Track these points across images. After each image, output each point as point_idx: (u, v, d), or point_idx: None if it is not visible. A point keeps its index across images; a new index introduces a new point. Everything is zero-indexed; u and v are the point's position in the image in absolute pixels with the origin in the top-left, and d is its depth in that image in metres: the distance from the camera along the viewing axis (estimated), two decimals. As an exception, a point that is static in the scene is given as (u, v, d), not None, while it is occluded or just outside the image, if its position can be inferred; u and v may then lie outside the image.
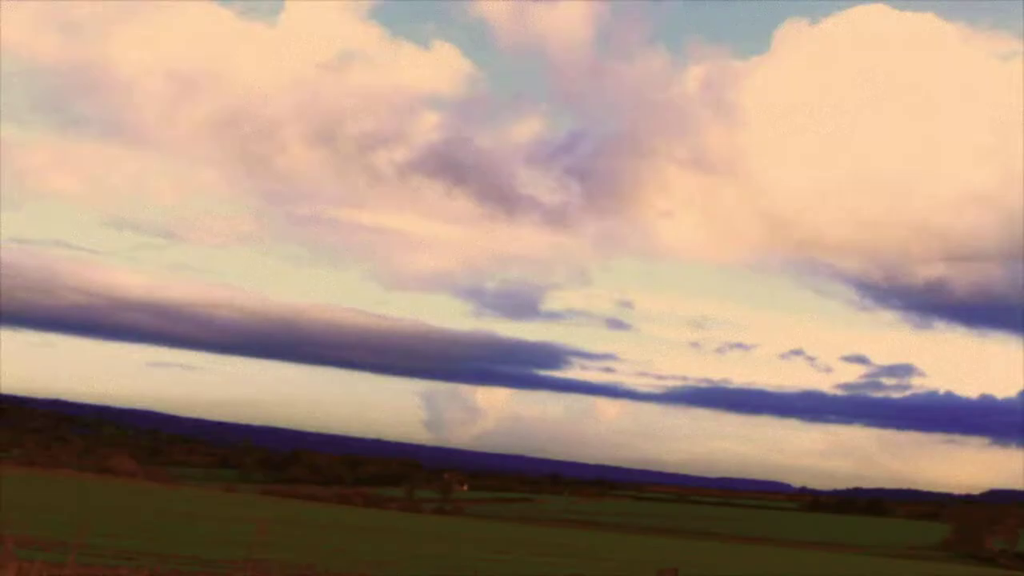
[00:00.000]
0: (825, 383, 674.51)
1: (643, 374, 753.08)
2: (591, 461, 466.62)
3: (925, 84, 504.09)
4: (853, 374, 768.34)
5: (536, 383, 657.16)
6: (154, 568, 36.11)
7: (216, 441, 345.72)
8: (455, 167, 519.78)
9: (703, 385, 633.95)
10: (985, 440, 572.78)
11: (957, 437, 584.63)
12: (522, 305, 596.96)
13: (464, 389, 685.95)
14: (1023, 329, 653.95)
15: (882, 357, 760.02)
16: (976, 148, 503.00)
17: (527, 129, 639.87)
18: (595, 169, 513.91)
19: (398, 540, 74.77)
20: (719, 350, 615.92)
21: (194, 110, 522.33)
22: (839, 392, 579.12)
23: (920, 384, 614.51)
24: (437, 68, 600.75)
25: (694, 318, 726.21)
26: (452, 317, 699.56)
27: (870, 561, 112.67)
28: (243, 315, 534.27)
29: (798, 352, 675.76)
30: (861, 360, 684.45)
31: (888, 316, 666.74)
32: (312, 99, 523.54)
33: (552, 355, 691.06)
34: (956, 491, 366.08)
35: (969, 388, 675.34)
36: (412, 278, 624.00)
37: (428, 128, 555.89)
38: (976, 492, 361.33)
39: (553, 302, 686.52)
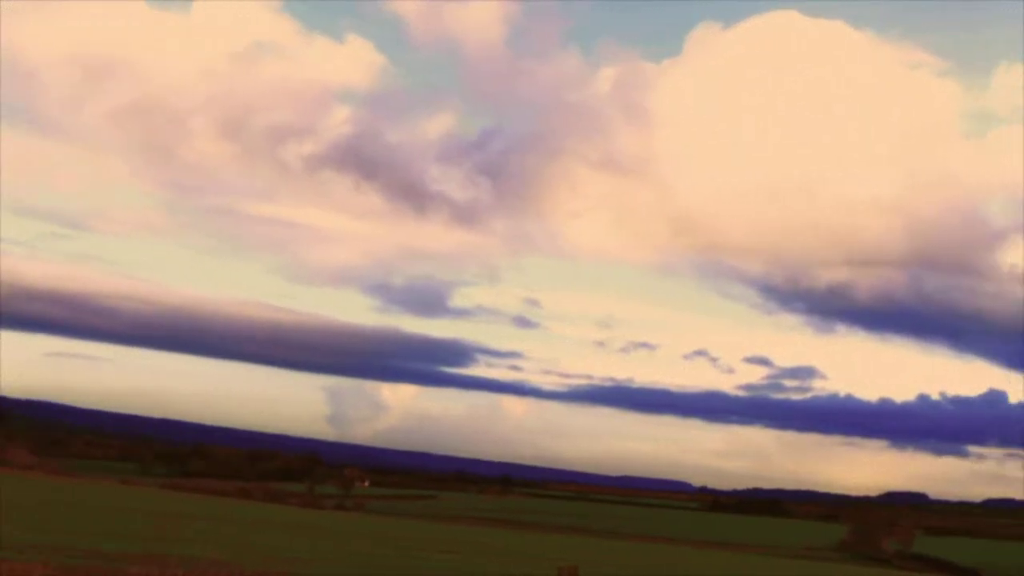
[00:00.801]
0: (728, 384, 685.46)
1: (549, 372, 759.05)
2: (496, 459, 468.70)
3: (834, 90, 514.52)
4: (755, 375, 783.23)
5: (442, 380, 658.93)
6: (48, 561, 35.56)
7: (117, 434, 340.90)
8: (365, 162, 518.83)
9: (607, 384, 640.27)
10: (883, 443, 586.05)
11: (856, 439, 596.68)
12: (429, 302, 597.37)
13: (369, 385, 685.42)
14: (922, 335, 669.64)
15: (784, 359, 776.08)
16: (881, 155, 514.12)
17: (439, 125, 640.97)
18: (506, 167, 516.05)
19: (298, 535, 74.32)
20: (624, 349, 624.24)
21: (103, 99, 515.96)
22: (741, 393, 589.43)
23: (821, 386, 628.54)
24: (350, 62, 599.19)
25: (600, 317, 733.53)
26: (358, 312, 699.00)
27: (768, 561, 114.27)
28: (147, 306, 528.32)
29: (702, 353, 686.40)
30: (763, 362, 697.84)
31: (791, 319, 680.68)
32: (223, 90, 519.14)
33: (459, 352, 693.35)
34: (854, 492, 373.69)
35: (869, 391, 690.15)
36: (319, 272, 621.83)
37: (339, 122, 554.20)
38: (874, 494, 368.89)
39: (461, 299, 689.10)
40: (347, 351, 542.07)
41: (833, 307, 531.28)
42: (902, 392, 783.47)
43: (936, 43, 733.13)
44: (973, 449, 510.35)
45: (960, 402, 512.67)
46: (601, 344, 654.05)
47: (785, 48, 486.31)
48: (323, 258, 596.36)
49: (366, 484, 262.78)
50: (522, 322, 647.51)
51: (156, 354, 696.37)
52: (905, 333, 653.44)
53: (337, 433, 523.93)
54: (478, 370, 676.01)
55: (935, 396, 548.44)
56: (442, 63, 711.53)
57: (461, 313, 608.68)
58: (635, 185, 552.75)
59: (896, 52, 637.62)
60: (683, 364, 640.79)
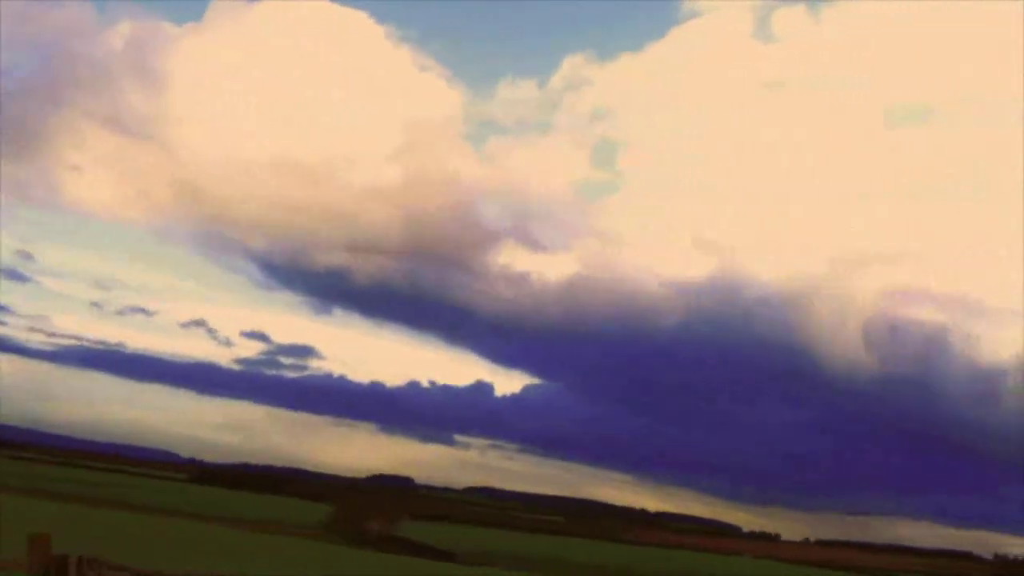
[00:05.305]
0: (224, 357, 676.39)
1: (36, 330, 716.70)
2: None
3: (347, 78, 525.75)
4: (252, 350, 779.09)
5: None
6: None
7: None
8: None
9: (99, 347, 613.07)
10: (373, 426, 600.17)
11: (347, 421, 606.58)
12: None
13: None
14: (416, 324, 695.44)
15: (282, 336, 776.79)
16: (387, 148, 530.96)
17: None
18: (3, 111, 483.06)
19: None
20: (120, 312, 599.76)
21: None
22: (237, 367, 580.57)
23: (317, 366, 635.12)
24: None
25: (97, 278, 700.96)
26: None
27: (253, 537, 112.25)
28: None
29: (199, 323, 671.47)
30: (261, 337, 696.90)
31: (290, 297, 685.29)
32: None
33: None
34: (343, 473, 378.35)
35: (361, 374, 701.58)
36: None
37: None
38: (361, 476, 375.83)
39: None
40: None
41: (332, 289, 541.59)
42: (393, 377, 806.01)
43: (449, 49, 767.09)
44: (459, 437, 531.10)
45: (448, 391, 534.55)
46: (96, 305, 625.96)
47: (306, 29, 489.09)
48: None
49: None
50: (11, 275, 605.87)
51: None
52: (399, 321, 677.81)
53: None
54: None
55: (425, 383, 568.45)
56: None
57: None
58: (141, 146, 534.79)
59: (411, 51, 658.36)
60: (180, 333, 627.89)
